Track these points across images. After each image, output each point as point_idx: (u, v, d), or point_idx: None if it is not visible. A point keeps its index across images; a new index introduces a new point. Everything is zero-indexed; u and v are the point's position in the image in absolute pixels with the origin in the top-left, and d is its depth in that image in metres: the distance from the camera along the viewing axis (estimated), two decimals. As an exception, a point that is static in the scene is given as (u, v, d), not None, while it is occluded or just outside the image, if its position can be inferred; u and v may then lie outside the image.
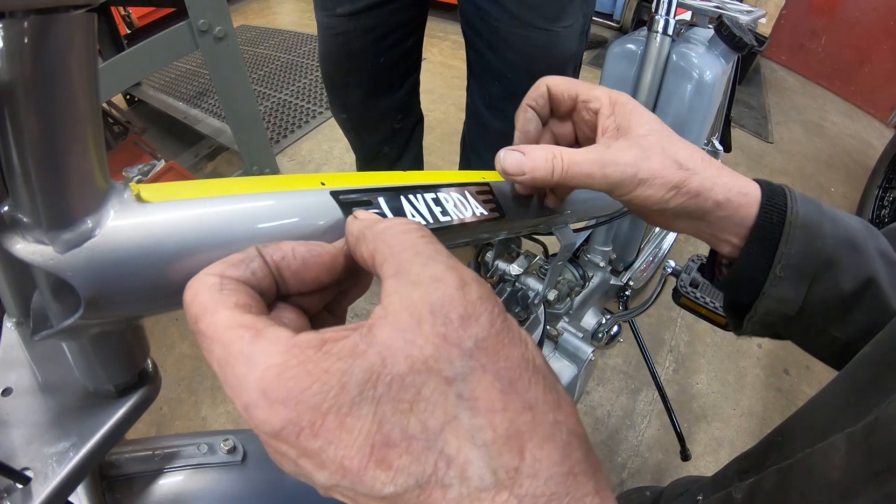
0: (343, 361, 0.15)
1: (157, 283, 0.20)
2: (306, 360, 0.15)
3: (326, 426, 0.14)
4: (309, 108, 2.26)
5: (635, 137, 0.33)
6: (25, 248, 0.18)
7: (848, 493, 0.27)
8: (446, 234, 0.31)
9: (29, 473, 0.24)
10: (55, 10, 0.15)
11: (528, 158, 0.32)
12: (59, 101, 0.16)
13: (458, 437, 0.15)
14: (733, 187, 0.34)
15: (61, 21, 0.15)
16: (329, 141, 2.05)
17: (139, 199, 0.20)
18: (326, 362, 0.15)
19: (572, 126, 0.39)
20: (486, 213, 0.33)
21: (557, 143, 0.39)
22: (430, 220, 0.29)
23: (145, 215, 0.19)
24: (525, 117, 0.36)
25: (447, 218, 0.30)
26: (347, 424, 0.14)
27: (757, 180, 0.36)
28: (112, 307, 0.19)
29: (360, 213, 0.22)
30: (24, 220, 0.18)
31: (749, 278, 0.36)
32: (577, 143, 0.39)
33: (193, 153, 1.95)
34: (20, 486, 0.23)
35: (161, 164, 1.54)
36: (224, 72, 1.35)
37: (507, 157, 0.32)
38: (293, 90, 2.40)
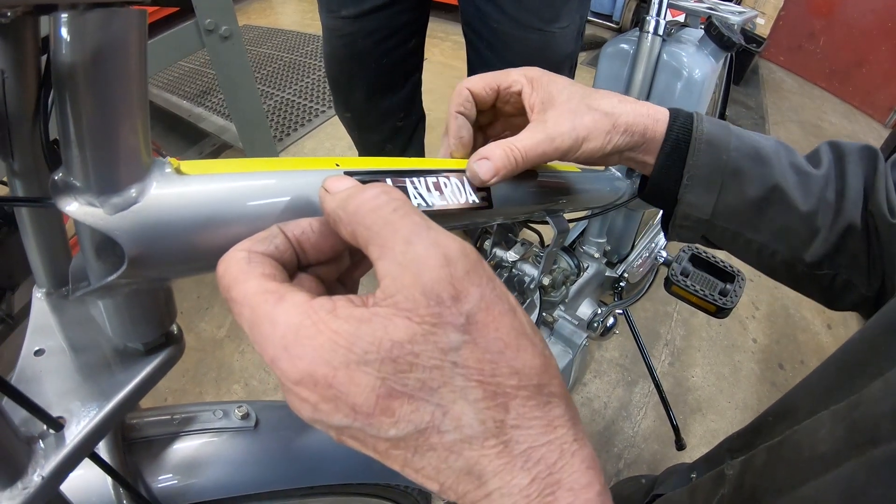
0: (350, 325, 0.17)
1: (191, 246, 0.22)
2: (319, 321, 0.18)
3: (338, 379, 0.17)
4: (312, 106, 2.28)
5: (561, 104, 0.37)
6: (78, 209, 0.20)
7: (832, 463, 0.28)
8: (443, 217, 0.34)
9: (62, 421, 0.26)
10: (112, 5, 0.18)
11: (492, 161, 0.35)
12: (114, 84, 0.19)
13: (453, 393, 0.18)
14: (648, 115, 0.40)
15: (118, 14, 0.18)
16: (332, 139, 2.07)
17: (178, 171, 0.22)
18: (336, 323, 0.18)
19: (493, 113, 0.42)
20: (478, 200, 0.36)
21: (485, 135, 0.43)
22: (430, 203, 0.32)
23: (184, 186, 0.22)
24: (457, 124, 0.39)
25: (444, 202, 0.33)
26: (355, 379, 0.17)
27: (669, 108, 0.41)
28: (151, 267, 0.22)
29: (331, 185, 0.22)
30: (77, 184, 0.21)
31: (665, 188, 0.42)
32: (497, 122, 0.44)
33: (197, 151, 1.98)
34: (53, 431, 0.25)
35: (167, 161, 1.57)
36: (229, 71, 1.38)
37: (480, 167, 0.35)
38: (296, 89, 2.43)
